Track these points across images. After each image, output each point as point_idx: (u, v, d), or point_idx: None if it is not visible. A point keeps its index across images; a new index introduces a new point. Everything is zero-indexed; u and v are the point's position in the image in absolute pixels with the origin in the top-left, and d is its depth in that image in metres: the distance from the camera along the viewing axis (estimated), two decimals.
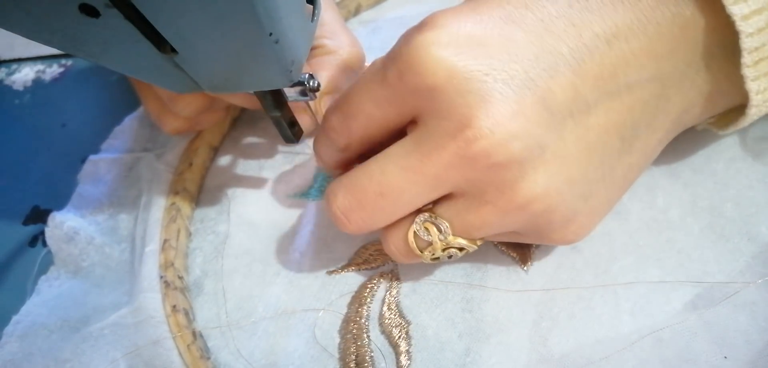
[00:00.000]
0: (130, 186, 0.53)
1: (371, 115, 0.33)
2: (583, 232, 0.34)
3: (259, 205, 0.49)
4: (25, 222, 0.56)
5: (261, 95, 0.38)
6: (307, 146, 0.50)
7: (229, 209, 0.49)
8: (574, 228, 0.33)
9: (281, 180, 0.50)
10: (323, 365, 0.39)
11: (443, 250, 0.34)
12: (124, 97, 0.61)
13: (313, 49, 0.46)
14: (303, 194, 0.48)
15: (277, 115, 0.39)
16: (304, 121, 0.43)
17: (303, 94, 0.39)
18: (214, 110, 0.50)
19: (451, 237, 0.34)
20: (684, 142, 0.36)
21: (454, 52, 0.29)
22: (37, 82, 0.70)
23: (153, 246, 0.45)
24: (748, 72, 0.31)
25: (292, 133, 0.41)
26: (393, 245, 0.36)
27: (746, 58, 0.30)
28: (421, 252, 0.35)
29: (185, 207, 0.49)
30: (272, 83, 0.35)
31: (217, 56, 0.31)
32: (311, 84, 0.37)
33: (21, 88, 0.70)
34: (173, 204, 0.48)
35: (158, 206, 0.48)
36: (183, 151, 0.52)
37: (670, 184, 0.40)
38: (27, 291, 0.48)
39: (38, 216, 0.56)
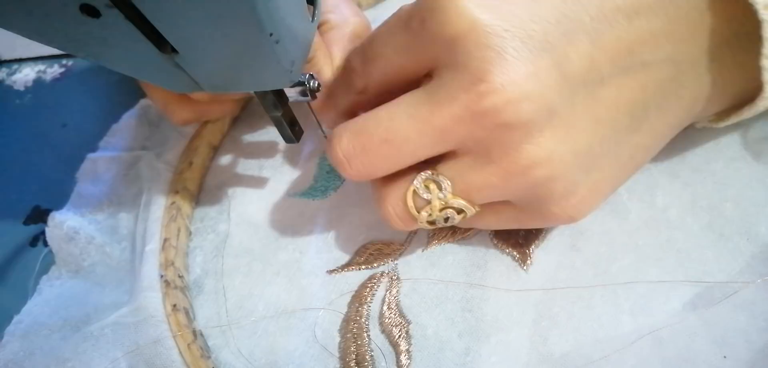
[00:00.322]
0: (130, 184, 0.53)
1: (390, 60, 0.33)
2: (583, 208, 0.34)
3: (259, 205, 0.49)
4: (26, 222, 0.56)
5: (261, 95, 0.38)
6: (307, 146, 0.50)
7: (229, 208, 0.49)
8: (575, 202, 0.33)
9: (281, 180, 0.50)
10: (323, 364, 0.39)
11: (441, 211, 0.34)
12: (125, 97, 0.61)
13: (318, 26, 0.46)
14: (303, 193, 0.48)
15: (277, 115, 0.39)
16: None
17: (303, 94, 0.39)
18: (222, 100, 0.50)
19: (450, 196, 0.33)
20: (684, 141, 0.36)
21: (478, 5, 0.29)
22: (38, 82, 0.71)
23: (153, 245, 0.45)
24: (766, 63, 0.30)
25: (292, 132, 0.41)
26: (390, 205, 0.35)
27: (766, 48, 0.30)
28: (418, 212, 0.34)
29: (185, 206, 0.49)
30: (272, 83, 0.35)
31: (217, 56, 0.31)
32: (311, 84, 0.37)
33: (22, 88, 0.71)
34: (173, 203, 0.48)
35: (158, 205, 0.48)
36: (183, 149, 0.52)
37: (669, 183, 0.40)
38: (28, 290, 0.48)
39: (39, 216, 0.56)
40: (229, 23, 0.28)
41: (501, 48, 0.29)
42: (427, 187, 0.34)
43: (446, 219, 0.35)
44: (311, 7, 0.35)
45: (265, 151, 0.52)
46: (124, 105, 0.60)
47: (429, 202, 0.34)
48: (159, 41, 0.29)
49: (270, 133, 0.54)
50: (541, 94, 0.29)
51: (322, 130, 0.46)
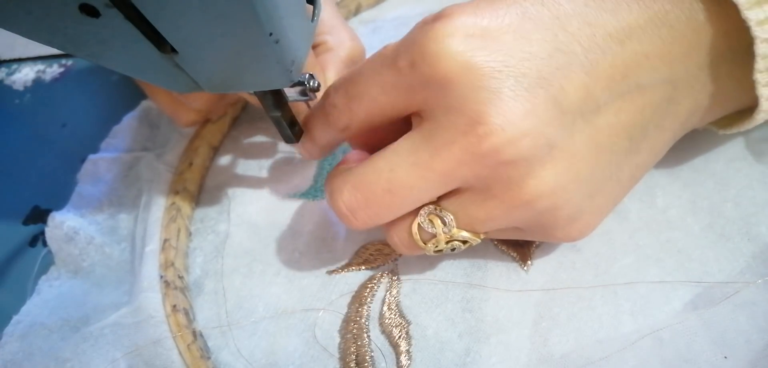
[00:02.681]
0: (130, 185, 0.53)
1: (376, 99, 0.33)
2: (587, 230, 0.34)
3: (259, 205, 0.49)
4: (26, 222, 0.56)
5: (261, 95, 0.38)
6: None
7: (229, 209, 0.49)
8: (579, 226, 0.33)
9: (281, 180, 0.50)
10: (323, 365, 0.39)
11: (447, 243, 0.34)
12: (124, 97, 0.61)
13: (314, 46, 0.46)
14: (303, 194, 0.48)
15: (277, 115, 0.39)
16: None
17: (303, 94, 0.39)
18: (225, 100, 0.51)
19: (455, 230, 0.34)
20: (684, 142, 0.36)
21: (470, 45, 0.29)
22: (38, 82, 0.71)
23: (153, 246, 0.45)
24: (760, 77, 0.30)
25: (292, 132, 0.41)
26: (396, 237, 0.36)
27: (759, 64, 0.30)
28: (425, 244, 0.35)
29: (185, 206, 0.49)
30: (272, 83, 0.35)
31: (217, 56, 0.31)
32: (311, 84, 0.37)
33: (21, 88, 0.70)
34: (173, 203, 0.48)
35: (158, 206, 0.48)
36: (183, 150, 0.52)
37: (669, 183, 0.40)
38: (27, 291, 0.48)
39: (38, 216, 0.56)
40: (229, 23, 0.28)
41: (497, 88, 0.29)
42: (431, 222, 0.34)
43: (453, 250, 0.35)
44: (311, 6, 0.35)
45: (265, 151, 0.52)
46: (124, 105, 0.60)
47: (434, 235, 0.34)
48: (159, 41, 0.29)
49: (270, 133, 0.54)
50: (539, 130, 0.29)
51: None
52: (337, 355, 0.39)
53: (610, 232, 0.39)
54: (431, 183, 0.32)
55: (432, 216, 0.34)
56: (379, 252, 0.42)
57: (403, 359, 0.38)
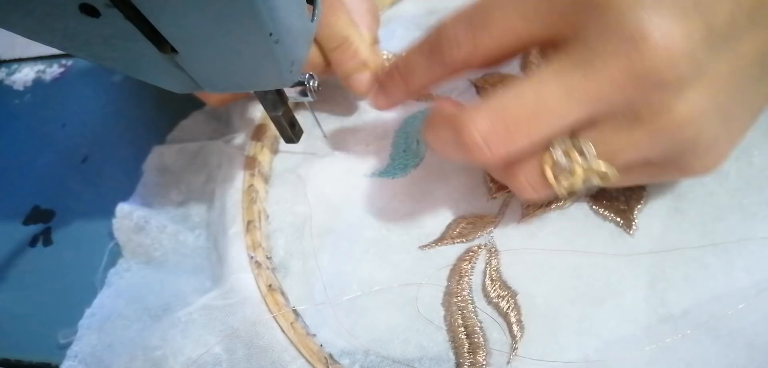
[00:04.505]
0: (197, 172, 0.53)
1: (513, 28, 0.32)
2: (720, 160, 0.33)
3: (335, 185, 0.48)
4: (26, 222, 0.56)
5: (261, 95, 0.39)
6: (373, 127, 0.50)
7: (305, 190, 0.48)
8: (714, 155, 0.33)
9: (354, 159, 0.49)
10: (429, 337, 0.39)
11: (584, 178, 0.33)
12: (125, 97, 0.63)
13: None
14: (383, 172, 0.47)
15: (277, 115, 0.40)
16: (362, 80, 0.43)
17: (303, 94, 0.40)
18: None
19: (595, 162, 0.32)
20: None
21: None
22: (38, 82, 0.71)
23: (236, 228, 0.45)
24: None
25: (292, 133, 0.42)
26: (523, 176, 0.34)
27: None
28: (558, 181, 0.33)
29: (261, 189, 0.48)
30: (272, 83, 0.36)
31: (217, 56, 0.31)
32: (311, 84, 0.38)
33: (21, 88, 0.71)
34: (251, 186, 0.47)
35: (236, 188, 0.47)
36: (252, 134, 0.51)
37: (764, 142, 0.40)
38: (97, 284, 0.48)
39: (39, 215, 0.57)
40: (229, 23, 0.28)
41: (656, 9, 0.28)
42: (567, 155, 0.32)
43: (587, 188, 0.34)
44: (311, 6, 0.35)
45: (335, 131, 0.52)
46: (124, 105, 0.63)
47: (569, 170, 0.33)
48: (159, 41, 0.29)
49: (337, 112, 0.53)
50: (694, 53, 0.29)
51: (322, 131, 0.48)
52: (443, 327, 0.39)
53: (712, 193, 0.39)
54: (582, 107, 0.30)
55: (568, 149, 0.32)
56: (472, 226, 0.42)
57: (515, 328, 0.37)
